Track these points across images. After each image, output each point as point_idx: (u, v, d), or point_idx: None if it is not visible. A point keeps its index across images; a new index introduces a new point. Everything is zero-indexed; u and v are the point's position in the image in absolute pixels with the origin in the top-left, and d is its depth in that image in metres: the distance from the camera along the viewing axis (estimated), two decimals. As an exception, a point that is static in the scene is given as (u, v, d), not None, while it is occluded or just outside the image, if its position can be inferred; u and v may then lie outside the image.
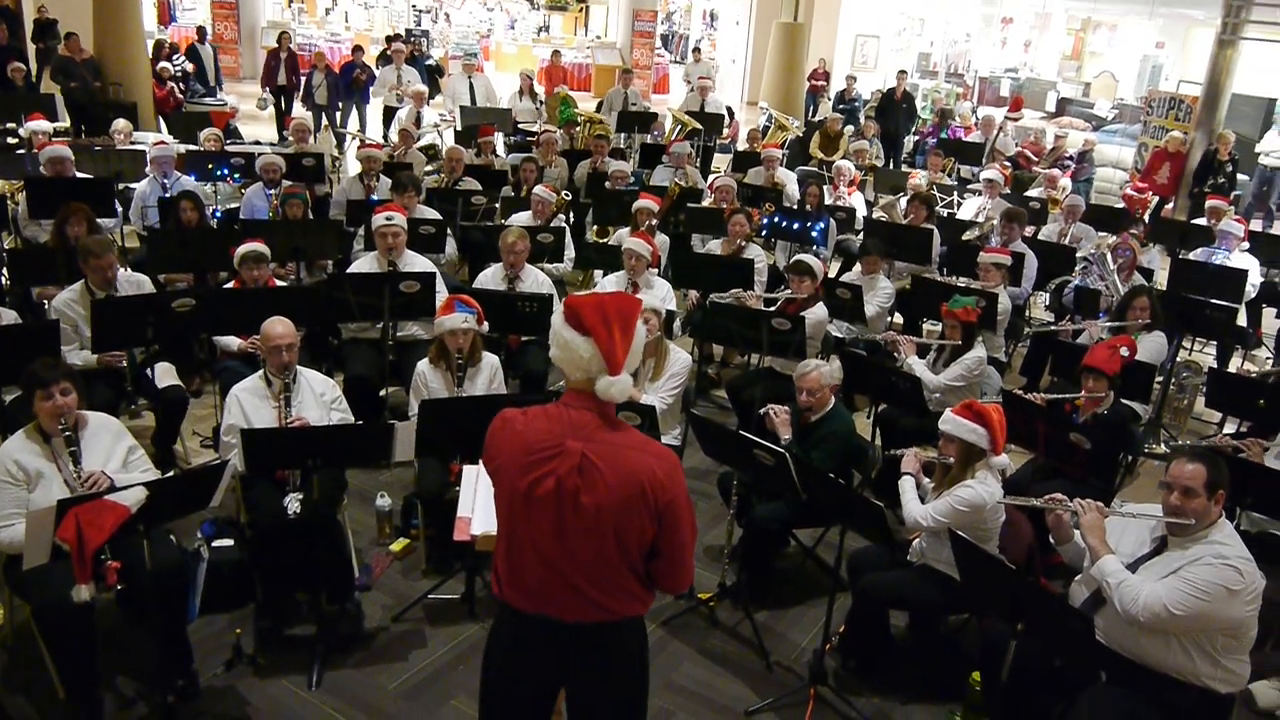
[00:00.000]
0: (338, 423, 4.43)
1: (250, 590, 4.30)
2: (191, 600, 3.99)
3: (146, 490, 3.29)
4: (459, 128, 11.38)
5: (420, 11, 23.41)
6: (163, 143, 8.42)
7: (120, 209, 7.57)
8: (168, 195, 7.32)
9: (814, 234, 7.59)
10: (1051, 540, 3.77)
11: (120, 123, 9.06)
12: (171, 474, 4.62)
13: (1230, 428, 6.29)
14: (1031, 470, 5.06)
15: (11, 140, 9.12)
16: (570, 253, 7.28)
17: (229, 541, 4.39)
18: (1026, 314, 7.89)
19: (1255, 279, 7.87)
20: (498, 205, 8.03)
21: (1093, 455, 4.53)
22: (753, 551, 4.71)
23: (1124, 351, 5.00)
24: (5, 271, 6.33)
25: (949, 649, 4.35)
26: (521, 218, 7.43)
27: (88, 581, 3.23)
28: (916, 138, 14.63)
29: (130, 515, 3.25)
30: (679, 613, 4.53)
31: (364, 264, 6.00)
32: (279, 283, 5.81)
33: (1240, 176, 12.63)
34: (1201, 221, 9.06)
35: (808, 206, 8.35)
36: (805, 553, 4.98)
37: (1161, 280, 8.34)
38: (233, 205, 8.04)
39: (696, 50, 20.61)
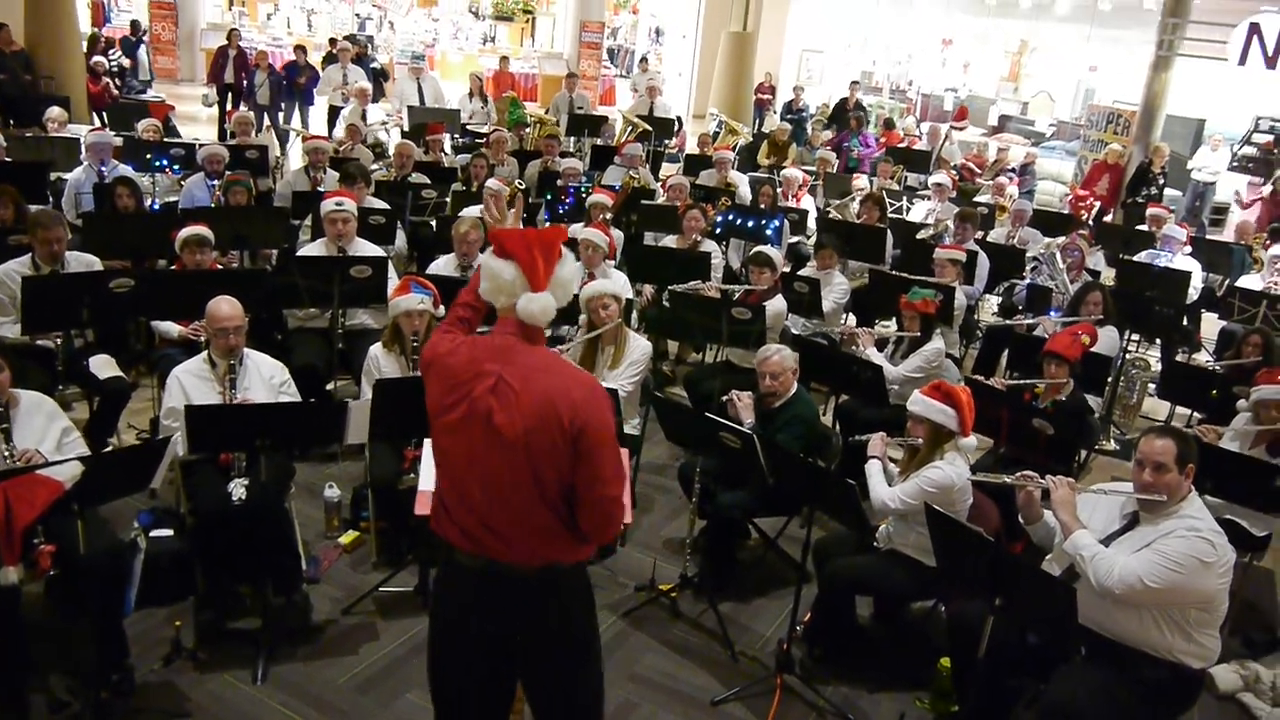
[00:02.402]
0: (287, 403, 4.24)
1: (190, 582, 4.07)
2: (127, 592, 3.78)
3: (82, 466, 3.09)
4: (406, 128, 11.19)
5: (363, 19, 23.13)
6: (100, 129, 8.10)
7: (51, 200, 7.26)
8: (104, 182, 7.03)
9: (769, 232, 7.56)
10: (1020, 520, 3.73)
11: (54, 110, 8.72)
12: (109, 449, 4.38)
13: (1179, 424, 6.37)
14: (992, 460, 5.04)
15: (-65, 129, 8.73)
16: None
17: (168, 531, 4.17)
18: (976, 316, 7.94)
19: (1196, 282, 8.03)
20: (448, 200, 7.87)
21: (1054, 441, 4.52)
22: (715, 542, 4.62)
23: (1084, 339, 5.02)
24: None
25: (915, 636, 4.30)
26: (473, 212, 7.28)
27: (16, 563, 3.03)
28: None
29: (64, 492, 3.04)
30: (640, 604, 4.42)
31: (313, 249, 5.80)
32: (222, 270, 5.59)
33: (1172, 191, 13.01)
34: (1143, 228, 9.25)
35: (761, 205, 8.33)
36: (768, 544, 4.90)
37: (1108, 281, 8.46)
38: (171, 199, 7.75)
39: (644, 61, 20.66)
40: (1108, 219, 12.22)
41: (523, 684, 2.66)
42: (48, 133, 8.51)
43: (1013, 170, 12.82)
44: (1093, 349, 5.47)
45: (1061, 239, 7.47)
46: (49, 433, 3.59)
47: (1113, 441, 6.68)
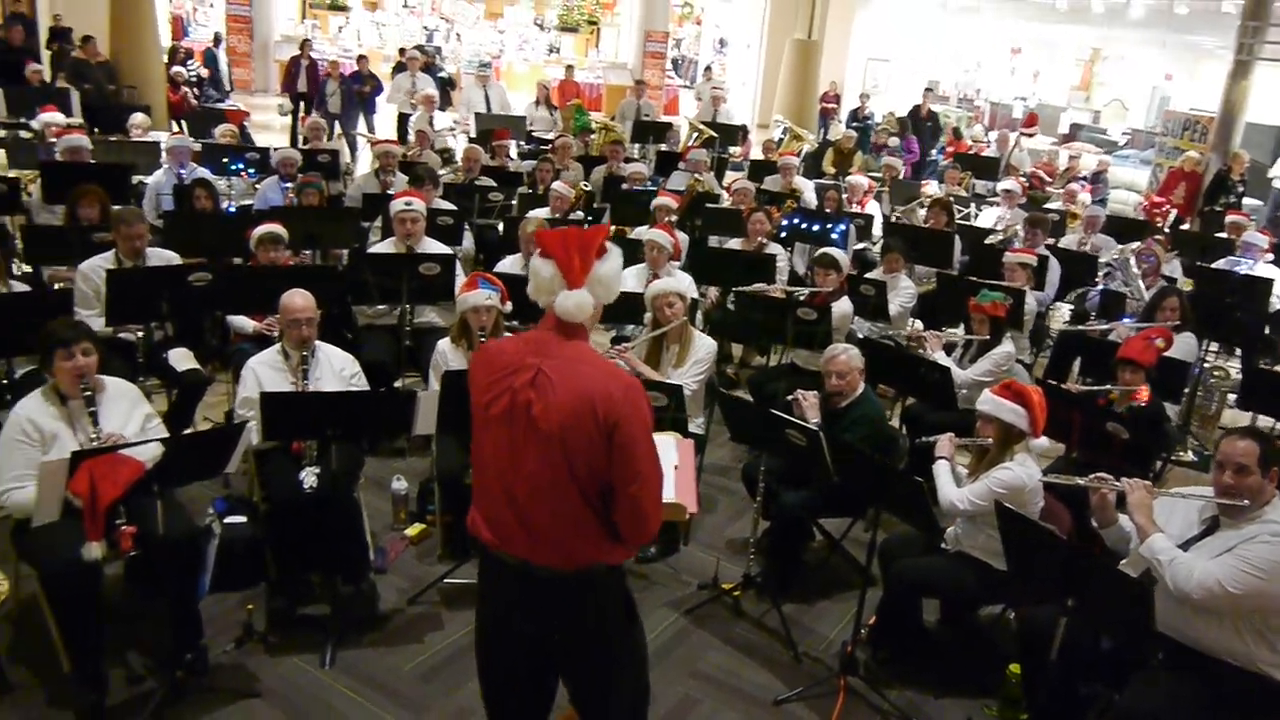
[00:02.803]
0: (358, 392, 4.32)
1: (262, 569, 4.17)
2: (202, 576, 3.86)
3: (162, 447, 3.18)
4: (473, 134, 11.35)
5: (431, 31, 23.51)
6: (180, 133, 8.37)
7: (133, 201, 7.49)
8: (183, 184, 7.25)
9: (834, 236, 7.50)
10: (1094, 524, 3.64)
11: (137, 116, 9.02)
12: (188, 432, 4.50)
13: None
14: (1064, 465, 4.92)
15: (25, 134, 9.07)
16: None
17: (242, 519, 4.27)
18: (1047, 323, 7.78)
19: (1279, 290, 7.77)
20: (514, 203, 7.96)
21: (1130, 446, 4.40)
22: (778, 543, 4.58)
23: (1160, 344, 4.89)
24: (19, 251, 6.26)
25: (983, 641, 4.21)
26: (540, 213, 7.36)
27: (99, 539, 3.12)
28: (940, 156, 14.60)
29: (145, 472, 3.14)
30: (702, 602, 4.41)
31: (383, 248, 5.91)
32: (295, 268, 5.71)
33: (1251, 201, 12.63)
34: (1221, 235, 8.99)
35: (827, 210, 8.27)
36: (832, 545, 4.84)
37: (1185, 289, 8.25)
38: (246, 202, 7.95)
39: (708, 70, 20.68)
40: (1184, 227, 11.91)
41: (564, 684, 2.69)
42: (130, 138, 8.79)
43: (1084, 178, 12.56)
44: (1169, 354, 5.32)
45: (1136, 244, 7.27)
46: (132, 417, 3.69)
47: (1190, 452, 6.49)
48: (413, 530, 4.75)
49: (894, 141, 12.67)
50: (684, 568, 4.69)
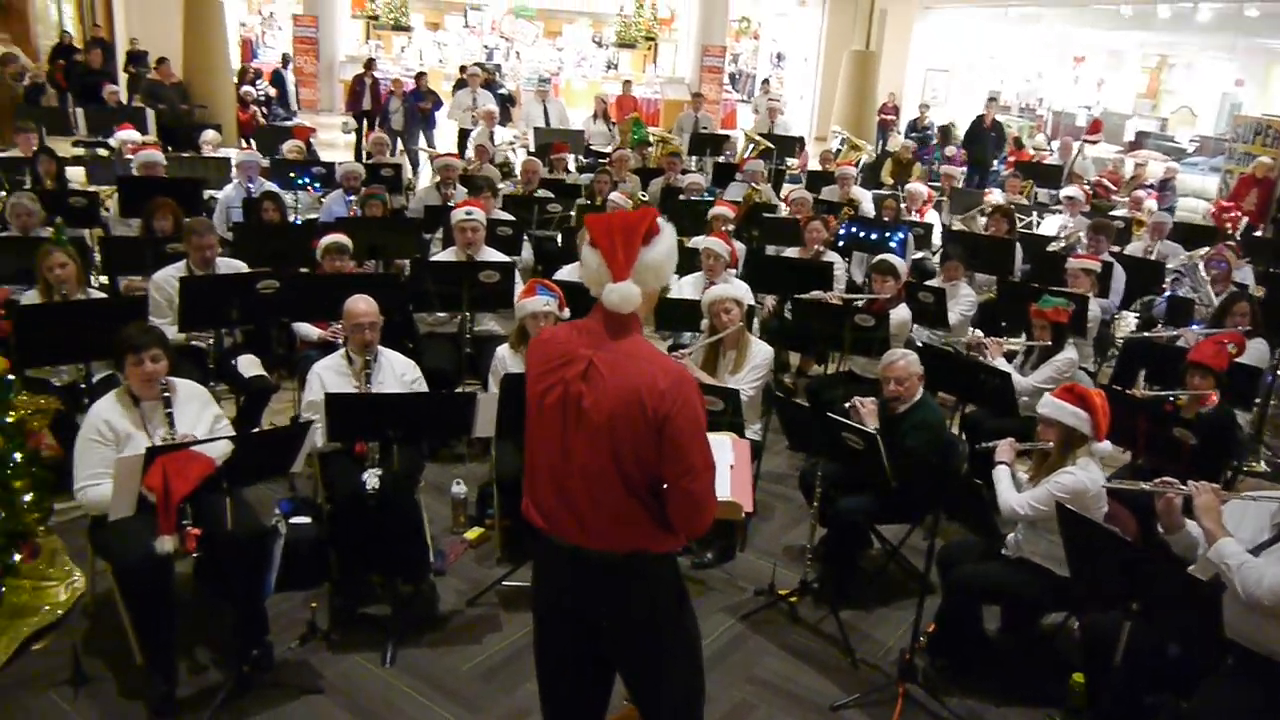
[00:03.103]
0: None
1: (325, 570, 4.27)
2: (268, 575, 3.95)
3: (232, 445, 3.28)
4: (532, 149, 11.50)
5: (491, 49, 23.88)
6: (248, 147, 8.63)
7: (204, 215, 7.73)
8: (252, 197, 7.47)
9: (892, 244, 7.44)
10: (1160, 530, 3.56)
11: (209, 133, 9.34)
12: (256, 430, 4.62)
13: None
14: (1129, 473, 4.81)
15: (103, 152, 9.42)
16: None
17: (306, 519, 4.37)
18: (1112, 331, 7.62)
19: (1357, 297, 7.53)
20: (572, 214, 8.05)
21: (1198, 453, 4.30)
22: (836, 549, 4.56)
23: (1232, 349, 4.77)
24: (97, 264, 6.49)
25: (1046, 650, 4.13)
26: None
27: (172, 533, 3.22)
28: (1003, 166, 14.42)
29: (215, 469, 3.23)
30: (759, 608, 4.40)
31: (444, 257, 6.03)
32: (359, 277, 5.84)
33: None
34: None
35: (885, 218, 8.22)
36: (890, 553, 4.80)
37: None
38: (312, 215, 8.16)
39: (765, 83, 20.69)
40: (1257, 234, 11.60)
41: (619, 674, 2.68)
42: (202, 154, 9.08)
43: (1151, 185, 12.30)
44: (1241, 360, 5.18)
45: (1205, 249, 7.10)
46: (203, 418, 3.81)
47: (1263, 463, 6.30)
48: (472, 534, 4.82)
49: (949, 150, 12.55)
50: (740, 574, 4.69)
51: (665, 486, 2.40)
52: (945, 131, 14.46)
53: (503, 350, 4.86)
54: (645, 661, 2.60)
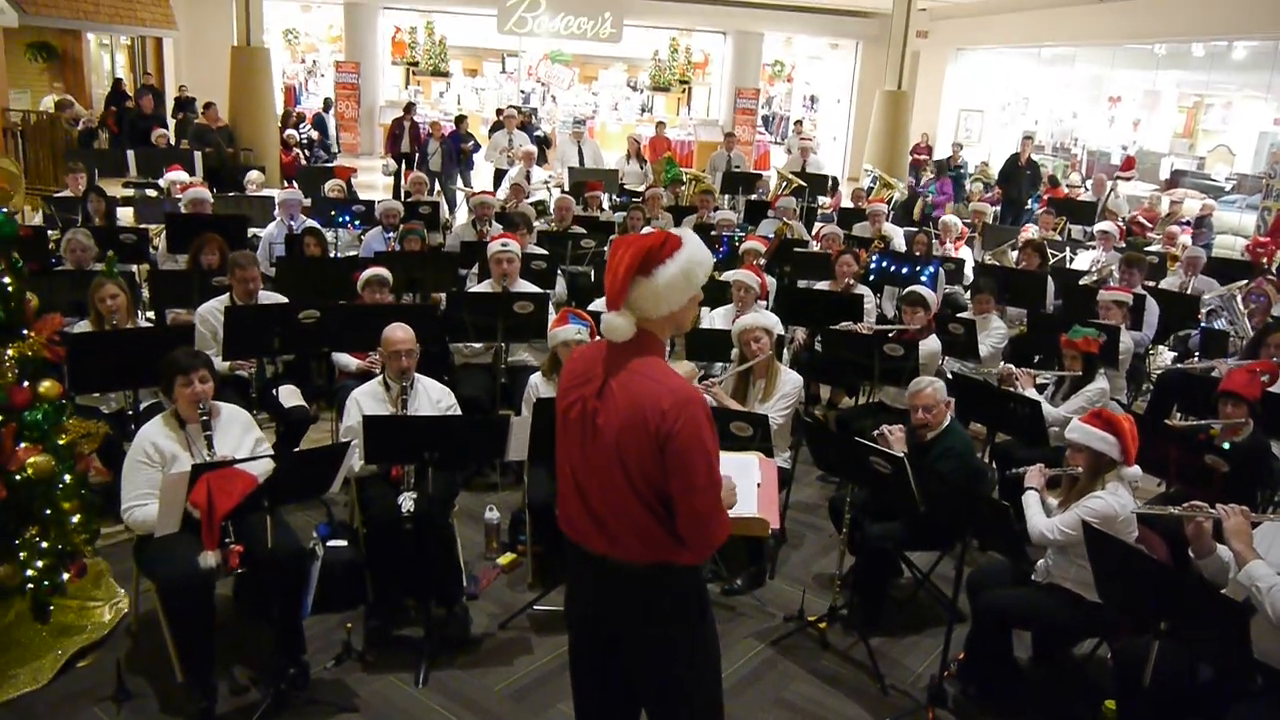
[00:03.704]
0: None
1: (361, 592, 4.35)
2: (305, 596, 4.04)
3: (273, 463, 3.38)
4: (566, 188, 11.69)
5: (527, 94, 24.34)
6: (291, 186, 8.87)
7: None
8: (294, 234, 7.68)
9: (923, 279, 7.48)
10: (1191, 555, 3.55)
11: (253, 174, 9.64)
12: (297, 449, 4.73)
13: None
14: (1161, 502, 4.79)
15: (152, 193, 9.73)
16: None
17: (343, 542, 4.46)
18: (1147, 366, 7.58)
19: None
20: (605, 249, 8.17)
21: (1231, 480, 4.28)
22: (865, 577, 4.56)
23: (1265, 377, 4.75)
24: (145, 300, 6.71)
25: (1078, 677, 4.11)
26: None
27: (215, 548, 3.32)
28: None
29: (257, 486, 3.34)
30: (788, 634, 4.41)
31: (480, 289, 6.16)
32: (397, 309, 5.98)
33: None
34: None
35: (916, 253, 8.26)
36: (919, 581, 4.79)
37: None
38: (351, 253, 8.36)
39: (798, 123, 20.86)
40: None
41: (639, 692, 2.69)
42: (246, 193, 9.36)
43: (1186, 222, 12.23)
44: (1274, 390, 5.15)
45: (1243, 282, 7.06)
46: (244, 441, 3.94)
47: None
48: (504, 559, 4.88)
49: (977, 186, 12.63)
50: (770, 600, 4.71)
51: (672, 501, 2.45)
52: (940, 166, 14.59)
53: (535, 378, 4.95)
54: (662, 676, 2.61)
